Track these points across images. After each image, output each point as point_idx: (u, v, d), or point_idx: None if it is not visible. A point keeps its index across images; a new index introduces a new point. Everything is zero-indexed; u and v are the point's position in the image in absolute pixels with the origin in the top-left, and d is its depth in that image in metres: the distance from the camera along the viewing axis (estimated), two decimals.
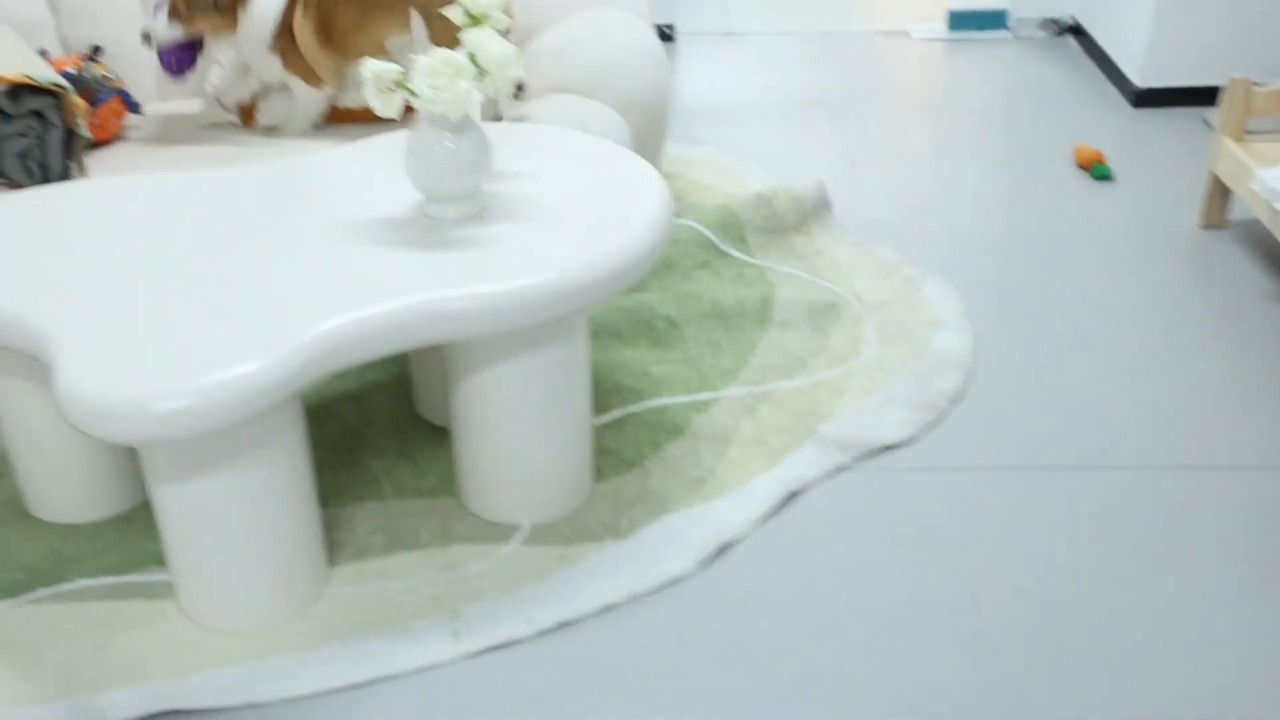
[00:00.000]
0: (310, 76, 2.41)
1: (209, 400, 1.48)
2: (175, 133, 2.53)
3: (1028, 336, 2.47)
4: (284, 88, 2.46)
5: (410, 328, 1.64)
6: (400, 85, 1.73)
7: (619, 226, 1.81)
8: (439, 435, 2.14)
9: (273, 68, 2.39)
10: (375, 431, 2.16)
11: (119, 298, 1.65)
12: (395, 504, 1.98)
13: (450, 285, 1.66)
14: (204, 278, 1.70)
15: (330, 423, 2.18)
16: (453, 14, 1.86)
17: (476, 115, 1.79)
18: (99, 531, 1.91)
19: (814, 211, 2.85)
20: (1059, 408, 2.26)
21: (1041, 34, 4.10)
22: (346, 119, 2.53)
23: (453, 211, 1.84)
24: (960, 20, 4.12)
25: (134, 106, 2.49)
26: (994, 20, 4.13)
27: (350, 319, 1.60)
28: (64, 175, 2.23)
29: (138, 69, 2.64)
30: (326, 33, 2.41)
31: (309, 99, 2.43)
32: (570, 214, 1.86)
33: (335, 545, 1.90)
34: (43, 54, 2.55)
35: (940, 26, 4.14)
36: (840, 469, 2.10)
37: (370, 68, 1.72)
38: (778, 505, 2.01)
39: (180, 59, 2.39)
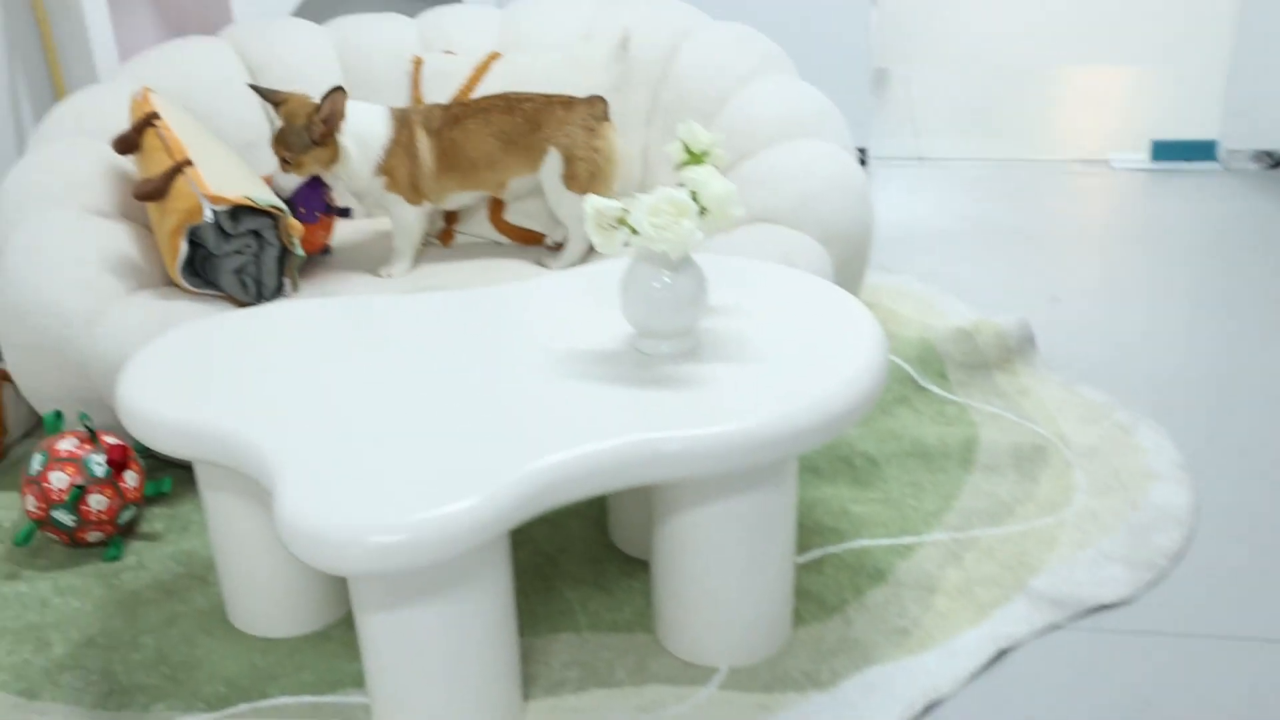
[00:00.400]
0: (413, 195, 2.44)
1: (423, 536, 1.46)
2: (377, 247, 2.60)
3: (1254, 492, 2.28)
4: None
5: (624, 468, 1.60)
6: (622, 223, 1.72)
7: (836, 370, 1.75)
8: (634, 567, 2.09)
9: (376, 189, 2.43)
10: (570, 559, 2.12)
11: (335, 422, 1.66)
12: (591, 637, 1.93)
13: (665, 426, 1.62)
14: (417, 404, 1.70)
15: (525, 547, 2.15)
16: (672, 150, 1.86)
17: (696, 254, 1.76)
18: (298, 648, 1.91)
19: (1018, 349, 2.73)
20: None
21: (1255, 167, 3.91)
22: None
23: (665, 348, 1.80)
24: (1165, 150, 3.97)
25: (344, 211, 2.57)
26: (1202, 151, 3.95)
27: (565, 457, 1.57)
28: (278, 291, 2.29)
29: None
30: (450, 160, 2.44)
31: (410, 217, 2.46)
32: (784, 354, 1.81)
33: (530, 678, 1.85)
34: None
35: (1143, 157, 3.99)
36: (1052, 627, 1.96)
37: (593, 204, 1.72)
38: (987, 663, 1.88)
39: (310, 202, 2.44)
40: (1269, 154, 3.89)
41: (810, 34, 3.76)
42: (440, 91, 2.70)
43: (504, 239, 2.62)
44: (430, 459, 1.57)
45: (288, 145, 2.35)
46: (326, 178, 2.45)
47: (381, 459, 1.57)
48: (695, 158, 1.84)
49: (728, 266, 2.13)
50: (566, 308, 2.00)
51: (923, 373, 2.61)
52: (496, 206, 2.60)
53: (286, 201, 2.41)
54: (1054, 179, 3.96)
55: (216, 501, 1.88)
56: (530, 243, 2.61)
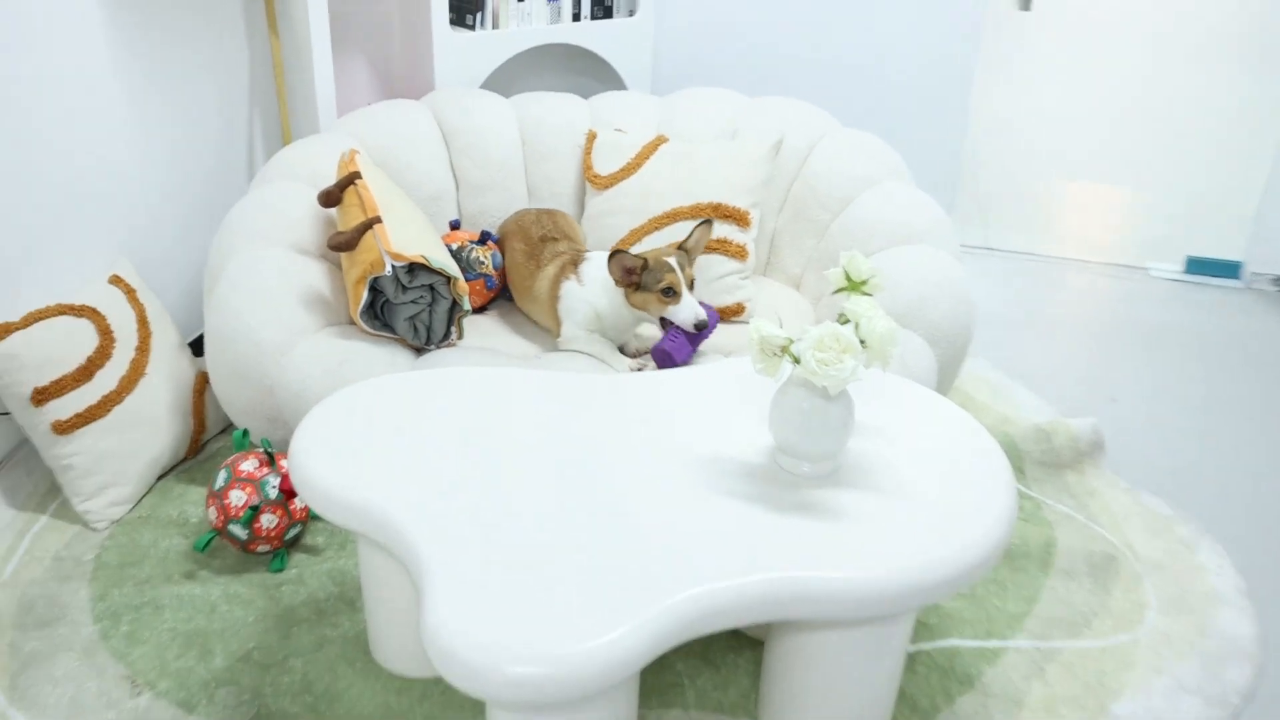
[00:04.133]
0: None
1: (564, 671, 1.04)
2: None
3: None
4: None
5: (768, 604, 1.16)
6: (785, 352, 1.27)
7: (974, 516, 1.29)
8: (741, 642, 1.65)
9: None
10: None
11: (484, 522, 1.23)
12: (698, 717, 1.49)
13: (812, 564, 1.18)
14: (564, 507, 1.27)
15: None
16: (832, 276, 1.39)
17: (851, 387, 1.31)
18: (429, 690, 1.51)
19: (1089, 451, 2.22)
20: None
21: (1274, 289, 3.31)
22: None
23: (808, 469, 1.35)
24: (1197, 266, 3.38)
25: (490, 286, 2.12)
26: (1228, 270, 3.36)
27: (711, 590, 1.13)
28: (445, 338, 1.88)
29: None
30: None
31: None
32: (922, 488, 1.35)
33: None
34: (454, 225, 2.24)
35: (1178, 268, 3.41)
36: None
37: (758, 329, 1.27)
38: None
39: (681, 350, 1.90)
40: None
41: (913, 139, 3.24)
42: (609, 162, 2.27)
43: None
44: (576, 579, 1.14)
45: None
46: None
47: (527, 573, 1.15)
48: (854, 286, 1.38)
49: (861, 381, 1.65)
50: (712, 402, 1.55)
51: None
52: None
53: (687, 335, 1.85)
54: (1098, 280, 3.40)
55: (367, 543, 1.47)
56: None
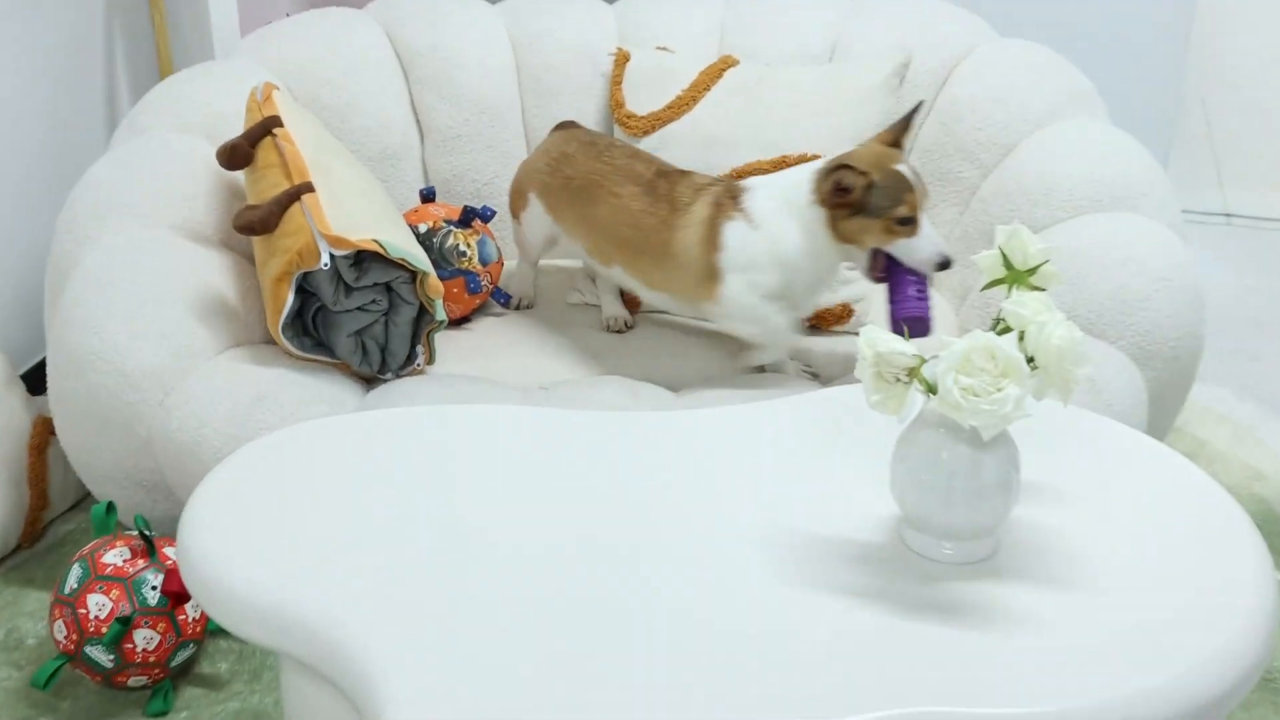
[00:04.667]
0: None
1: None
2: (537, 317, 2.22)
3: None
4: None
5: None
6: (914, 376, 1.28)
7: (1206, 624, 1.28)
8: None
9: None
10: None
11: (464, 634, 1.26)
12: None
13: (955, 698, 1.18)
14: (583, 618, 1.29)
15: None
16: (982, 262, 1.41)
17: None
18: None
19: None
20: None
21: None
22: None
23: (950, 550, 1.36)
24: None
25: (475, 289, 2.16)
26: None
27: None
28: (408, 362, 1.93)
29: None
30: None
31: None
32: (1125, 578, 1.35)
33: None
34: (426, 196, 2.29)
35: None
36: None
37: (872, 343, 1.29)
38: None
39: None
40: None
41: (1109, 52, 3.24)
42: (650, 96, 2.33)
43: None
44: (578, 698, 1.16)
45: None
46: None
47: (526, 710, 1.17)
48: (1017, 276, 1.39)
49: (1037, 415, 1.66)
50: (803, 456, 1.57)
51: None
52: None
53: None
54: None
55: (294, 669, 1.51)
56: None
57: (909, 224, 1.86)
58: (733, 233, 1.96)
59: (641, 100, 2.34)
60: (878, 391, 1.30)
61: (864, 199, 1.86)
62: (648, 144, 2.29)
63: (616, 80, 2.37)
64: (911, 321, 1.88)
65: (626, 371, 2.01)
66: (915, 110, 1.97)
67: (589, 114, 2.43)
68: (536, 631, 1.27)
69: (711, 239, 1.97)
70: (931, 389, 1.27)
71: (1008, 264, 1.40)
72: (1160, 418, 2.08)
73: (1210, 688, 1.23)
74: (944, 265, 1.88)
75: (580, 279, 2.29)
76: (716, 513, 1.45)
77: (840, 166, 1.87)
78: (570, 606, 1.30)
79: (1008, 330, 1.31)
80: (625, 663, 1.23)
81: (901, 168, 1.88)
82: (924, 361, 1.29)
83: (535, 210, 2.18)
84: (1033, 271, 1.39)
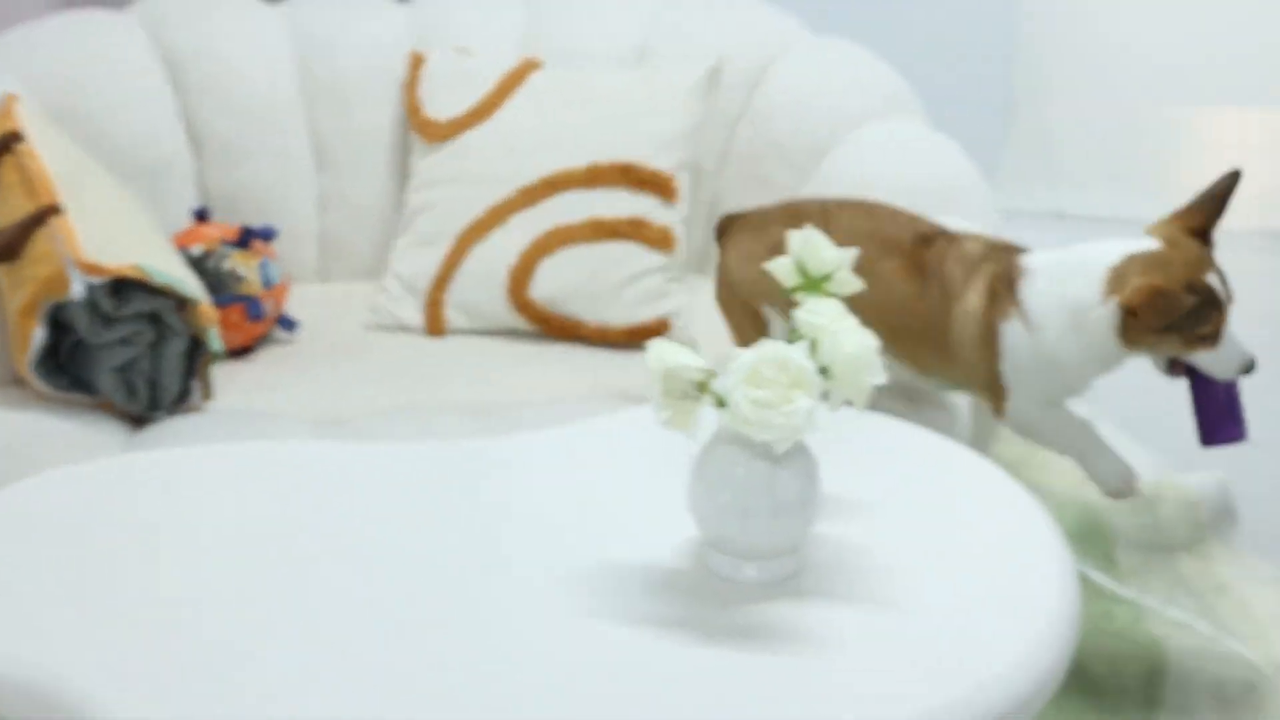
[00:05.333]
0: None
1: None
2: (327, 343, 2.19)
3: None
4: None
5: None
6: (704, 390, 1.31)
7: (1011, 632, 1.33)
8: None
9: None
10: None
11: (249, 704, 1.24)
12: None
13: None
14: (380, 668, 1.28)
15: None
16: (776, 270, 1.44)
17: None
18: None
19: (1213, 524, 2.32)
20: None
21: None
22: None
23: (753, 572, 1.39)
24: None
25: (256, 315, 2.13)
26: None
27: None
28: (182, 398, 1.89)
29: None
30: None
31: None
32: (930, 589, 1.39)
33: None
34: (199, 215, 2.25)
35: None
36: None
37: (660, 357, 1.31)
38: None
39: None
40: None
41: (935, 52, 3.35)
42: (449, 101, 2.32)
43: (526, 325, 2.20)
44: None
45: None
46: None
47: None
48: (813, 284, 1.43)
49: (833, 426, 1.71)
50: (605, 482, 1.59)
51: (1083, 555, 2.21)
52: (521, 275, 2.17)
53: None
54: (1237, 257, 3.53)
55: None
56: (566, 336, 2.19)
57: (1212, 338, 1.79)
58: (1012, 337, 1.81)
59: (440, 105, 2.33)
60: (667, 408, 1.32)
61: (1177, 320, 1.74)
62: (447, 151, 2.29)
63: (412, 84, 2.37)
64: (1224, 439, 1.86)
65: (427, 398, 2.00)
66: (1231, 182, 1.85)
67: (383, 117, 2.41)
68: (327, 688, 1.25)
69: (989, 341, 1.83)
70: (722, 403, 1.30)
71: (802, 270, 1.44)
72: (983, 427, 2.15)
73: (1013, 693, 1.27)
74: (1249, 369, 1.81)
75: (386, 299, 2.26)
76: (511, 546, 1.46)
77: (1155, 290, 1.70)
78: (342, 656, 1.29)
79: (801, 339, 1.35)
80: (408, 708, 1.22)
81: (1212, 280, 1.76)
82: (714, 375, 1.31)
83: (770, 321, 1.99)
84: (828, 278, 1.44)
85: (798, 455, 1.36)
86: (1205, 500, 2.33)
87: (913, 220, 1.93)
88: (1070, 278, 1.79)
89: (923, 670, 1.28)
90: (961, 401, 2.06)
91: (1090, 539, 2.24)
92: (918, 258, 1.87)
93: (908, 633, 1.33)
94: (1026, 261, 1.83)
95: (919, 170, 2.28)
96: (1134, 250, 1.78)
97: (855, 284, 1.44)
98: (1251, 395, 2.56)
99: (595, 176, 2.21)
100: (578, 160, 2.23)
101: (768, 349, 1.28)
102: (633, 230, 2.19)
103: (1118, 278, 1.75)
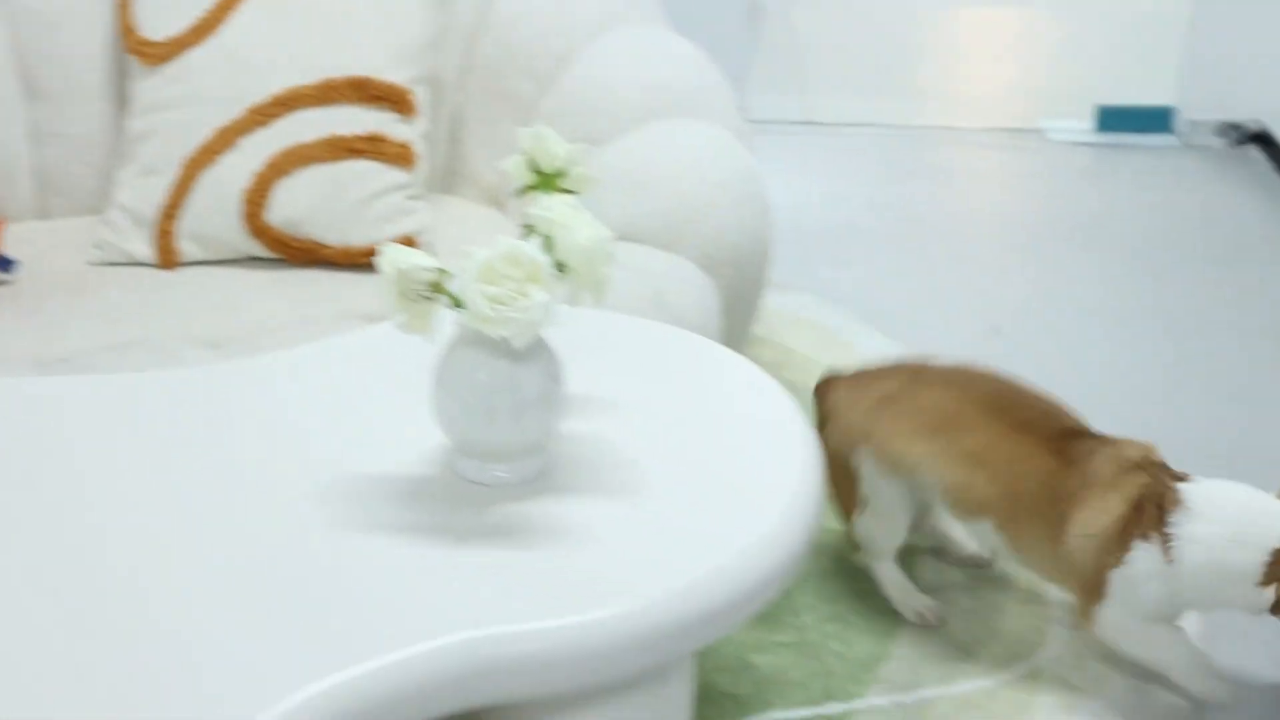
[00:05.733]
0: None
1: None
2: (50, 281, 2.14)
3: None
4: None
5: (444, 687, 1.24)
6: (439, 290, 1.35)
7: (758, 509, 1.43)
8: None
9: None
10: None
11: None
12: None
13: (507, 614, 1.27)
14: (90, 581, 1.30)
15: None
16: (511, 168, 1.50)
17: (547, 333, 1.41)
18: None
19: None
20: None
21: (1219, 143, 3.79)
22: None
23: (502, 473, 1.45)
24: (1112, 119, 3.82)
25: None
26: (1156, 121, 3.82)
27: (340, 681, 1.20)
28: None
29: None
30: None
31: None
32: (675, 477, 1.48)
33: None
34: None
35: (1086, 125, 3.83)
36: None
37: (393, 261, 1.34)
38: None
39: None
40: (1234, 126, 3.78)
41: None
42: (170, 20, 2.26)
43: (265, 251, 2.19)
44: (108, 689, 1.18)
45: None
46: None
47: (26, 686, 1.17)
48: (546, 180, 1.49)
49: (574, 325, 1.76)
50: (350, 399, 1.62)
51: None
52: (255, 199, 2.15)
53: None
54: (978, 153, 3.76)
55: None
56: (308, 261, 2.19)
57: None
58: (1144, 561, 1.79)
59: (157, 24, 2.27)
60: (403, 311, 1.36)
61: None
62: (168, 73, 2.23)
63: (124, 2, 2.31)
64: None
65: (163, 333, 1.98)
66: None
67: (91, 40, 2.33)
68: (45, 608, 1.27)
69: (1118, 544, 1.81)
70: (458, 303, 1.35)
71: (535, 168, 1.50)
72: (737, 326, 2.25)
73: (760, 568, 1.37)
74: None
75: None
76: (256, 465, 1.48)
77: None
78: (84, 572, 1.30)
79: (535, 235, 1.40)
80: (167, 619, 1.25)
81: None
82: (448, 276, 1.36)
83: (870, 472, 1.98)
84: (561, 174, 1.49)
85: (539, 353, 1.42)
86: None
87: (1055, 408, 1.94)
88: (1230, 542, 1.77)
89: (670, 554, 1.37)
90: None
91: None
92: (1062, 449, 1.87)
93: (656, 521, 1.42)
94: (1186, 493, 1.80)
95: (661, 75, 2.34)
96: None
97: (591, 181, 1.50)
98: (991, 285, 2.73)
99: (329, 93, 2.21)
100: (310, 77, 2.22)
101: (500, 244, 1.33)
102: (370, 147, 2.20)
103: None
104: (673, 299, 2.06)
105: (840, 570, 2.10)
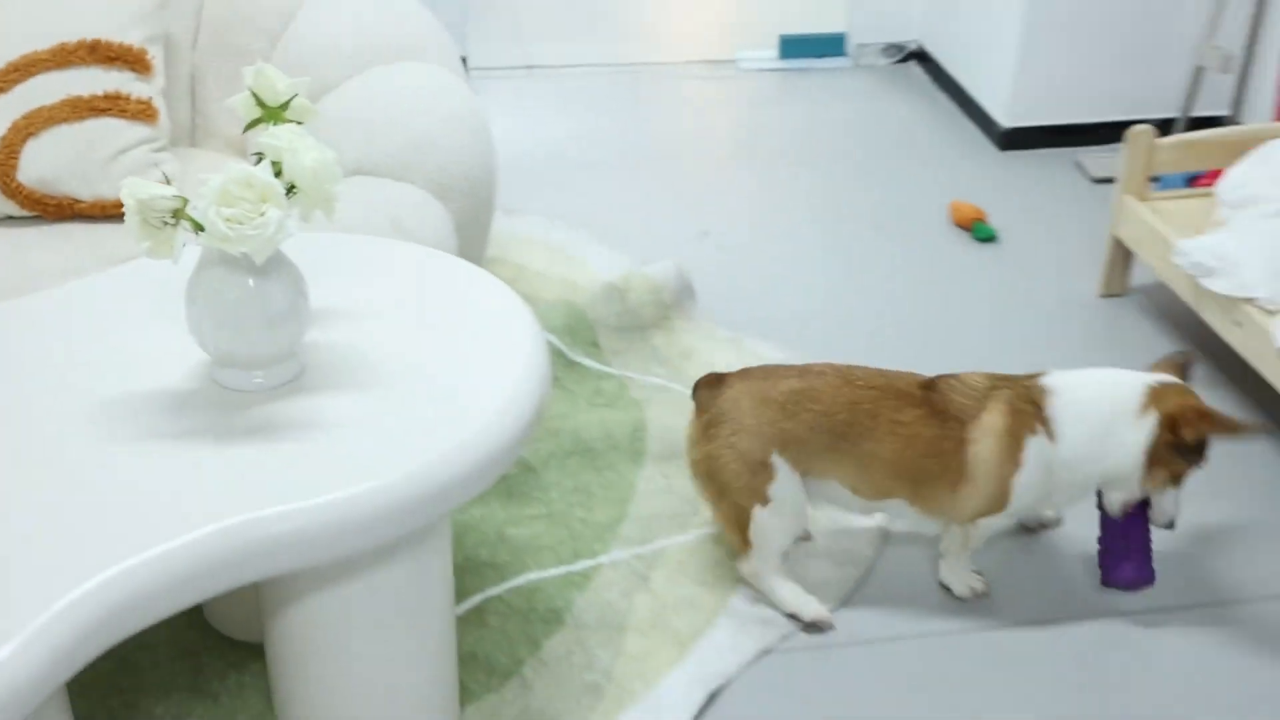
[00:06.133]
0: None
1: None
2: None
3: None
4: None
5: (217, 569, 1.28)
6: (180, 216, 1.36)
7: (488, 389, 1.50)
8: (243, 654, 1.76)
9: None
10: (154, 659, 1.77)
11: None
12: None
13: (268, 499, 1.31)
14: None
15: None
16: (237, 105, 1.51)
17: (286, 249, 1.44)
18: None
19: (675, 302, 2.59)
20: None
21: (884, 61, 4.00)
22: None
23: (259, 379, 1.48)
24: (793, 47, 3.97)
25: None
26: (831, 46, 4.00)
27: (122, 570, 1.22)
28: None
29: None
30: None
31: None
32: (416, 372, 1.53)
33: None
34: None
35: (772, 54, 3.98)
36: (764, 652, 1.84)
37: (133, 192, 1.35)
38: (698, 712, 1.73)
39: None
40: (897, 46, 3.98)
41: None
42: None
43: (21, 210, 2.12)
44: None
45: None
46: None
47: None
48: (272, 113, 1.50)
49: (322, 248, 1.80)
50: (111, 326, 1.61)
51: (572, 344, 2.42)
52: (6, 160, 2.08)
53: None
54: (680, 84, 3.87)
55: None
56: (65, 216, 2.13)
57: (1181, 478, 1.88)
58: (1036, 451, 1.84)
59: None
60: (146, 238, 1.37)
61: (1199, 449, 1.84)
62: None
63: None
64: (1130, 583, 1.94)
65: None
66: (1187, 361, 1.97)
67: None
68: None
69: (1013, 454, 1.83)
70: (199, 227, 1.37)
71: (259, 102, 1.51)
72: (471, 246, 2.30)
73: (491, 444, 1.44)
74: (1171, 526, 1.91)
75: None
76: (27, 395, 1.47)
77: (1200, 409, 1.82)
78: None
79: (275, 165, 1.42)
80: None
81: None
82: (186, 202, 1.37)
83: (784, 475, 1.86)
84: (285, 107, 1.51)
85: (281, 269, 1.45)
86: (666, 284, 2.59)
87: (902, 374, 1.93)
88: (1102, 402, 1.86)
89: (430, 426, 1.44)
90: None
91: (577, 331, 2.45)
92: (931, 402, 1.86)
93: (401, 410, 1.47)
94: (1050, 384, 1.87)
95: (380, 24, 2.35)
96: (1161, 379, 1.88)
97: (312, 110, 1.52)
98: (698, 196, 2.81)
99: (64, 56, 2.14)
100: (44, 43, 2.14)
101: (232, 169, 1.35)
102: (112, 105, 2.14)
103: (1157, 397, 1.84)
104: (409, 224, 2.10)
105: (580, 450, 2.19)
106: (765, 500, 1.86)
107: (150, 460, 1.37)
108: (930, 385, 1.89)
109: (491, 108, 3.64)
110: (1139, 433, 1.83)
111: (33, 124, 2.10)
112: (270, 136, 1.43)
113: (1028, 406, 1.85)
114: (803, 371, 1.90)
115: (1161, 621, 1.92)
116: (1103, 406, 1.86)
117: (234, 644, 1.79)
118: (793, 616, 1.89)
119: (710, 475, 1.88)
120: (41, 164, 2.11)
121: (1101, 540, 1.97)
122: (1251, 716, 1.78)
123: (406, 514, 1.37)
